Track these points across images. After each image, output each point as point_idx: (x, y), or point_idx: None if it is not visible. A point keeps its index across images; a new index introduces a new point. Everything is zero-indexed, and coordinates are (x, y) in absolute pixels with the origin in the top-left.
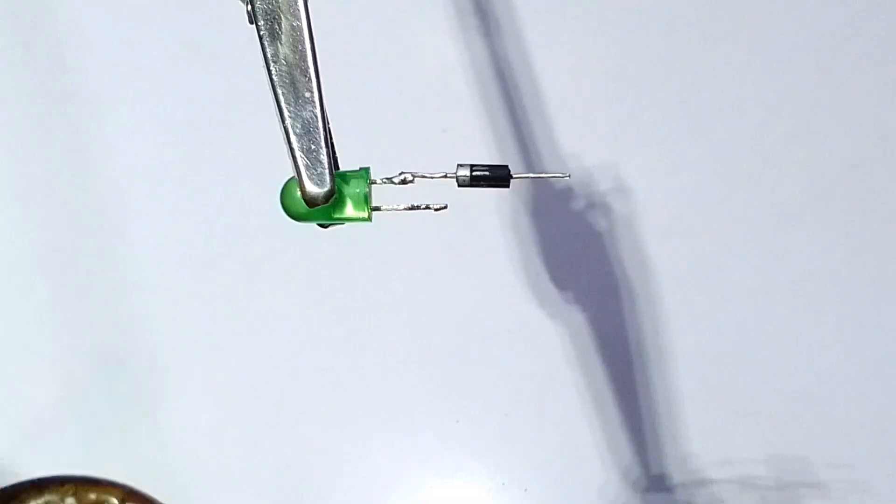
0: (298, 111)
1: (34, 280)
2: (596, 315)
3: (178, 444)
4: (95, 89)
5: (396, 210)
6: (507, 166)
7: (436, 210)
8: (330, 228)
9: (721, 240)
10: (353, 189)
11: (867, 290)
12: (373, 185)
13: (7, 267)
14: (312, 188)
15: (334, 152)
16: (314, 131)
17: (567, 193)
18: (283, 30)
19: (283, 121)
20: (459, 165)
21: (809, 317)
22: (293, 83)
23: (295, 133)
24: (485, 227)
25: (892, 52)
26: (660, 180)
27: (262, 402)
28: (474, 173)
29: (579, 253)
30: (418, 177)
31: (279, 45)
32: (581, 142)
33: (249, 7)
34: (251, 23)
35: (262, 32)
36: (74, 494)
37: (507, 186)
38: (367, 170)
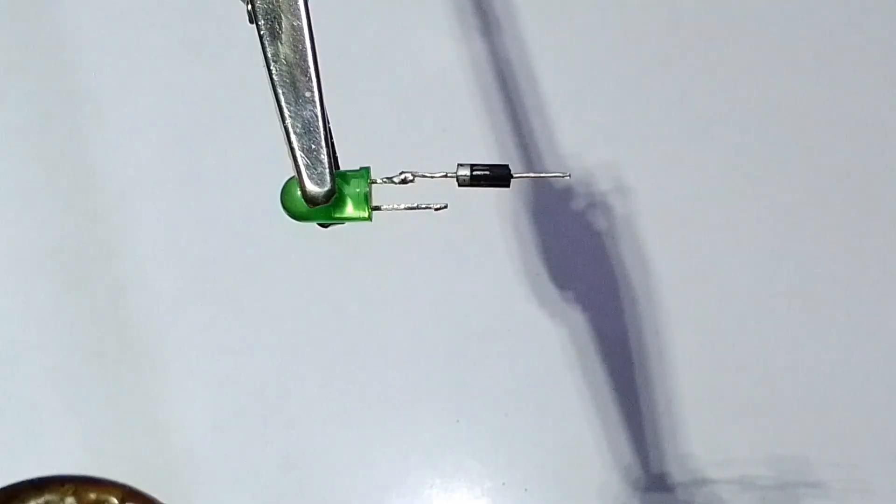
0: (299, 111)
1: (34, 280)
2: (596, 315)
3: (178, 444)
4: (95, 89)
5: (396, 210)
6: (507, 166)
7: (436, 210)
8: (330, 228)
9: (721, 240)
10: (353, 189)
11: (867, 290)
12: (373, 185)
13: (7, 267)
14: (313, 188)
15: (334, 152)
16: (314, 131)
17: (567, 193)
18: (284, 29)
19: (283, 120)
20: (460, 165)
21: (809, 317)
22: (293, 83)
23: (295, 132)
24: (485, 227)
25: (893, 52)
26: (660, 180)
27: (262, 402)
28: (474, 173)
29: (579, 253)
30: (418, 176)
31: (279, 44)
32: (581, 142)
33: (249, 7)
34: (251, 22)
35: (262, 32)
36: (74, 494)
37: (508, 186)
38: (367, 169)
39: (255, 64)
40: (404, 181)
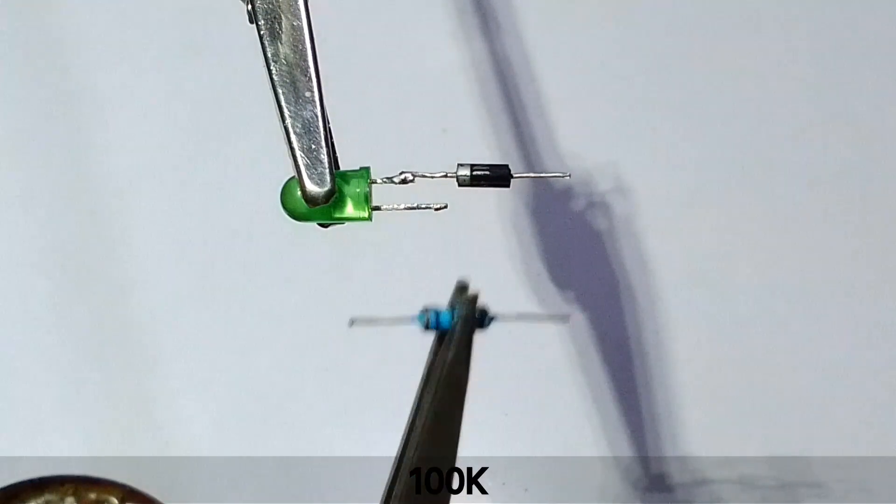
0: (299, 111)
1: (34, 280)
2: (596, 315)
3: (178, 444)
4: (95, 89)
5: (396, 210)
6: (507, 166)
7: (436, 210)
8: (330, 228)
9: (721, 240)
10: (353, 189)
11: (867, 289)
12: (373, 185)
13: (7, 267)
14: (313, 187)
15: (334, 152)
16: (314, 131)
17: (567, 193)
18: (284, 29)
19: (283, 120)
20: (460, 165)
21: (810, 316)
22: (293, 83)
23: (295, 132)
24: (485, 227)
25: (893, 52)
26: (660, 180)
27: (262, 402)
28: (474, 173)
29: (579, 253)
30: (418, 176)
31: (279, 44)
32: (581, 142)
33: (249, 7)
34: (251, 22)
35: (262, 32)
36: (74, 494)
37: (508, 186)
38: (367, 169)
39: (255, 64)
40: (404, 181)
